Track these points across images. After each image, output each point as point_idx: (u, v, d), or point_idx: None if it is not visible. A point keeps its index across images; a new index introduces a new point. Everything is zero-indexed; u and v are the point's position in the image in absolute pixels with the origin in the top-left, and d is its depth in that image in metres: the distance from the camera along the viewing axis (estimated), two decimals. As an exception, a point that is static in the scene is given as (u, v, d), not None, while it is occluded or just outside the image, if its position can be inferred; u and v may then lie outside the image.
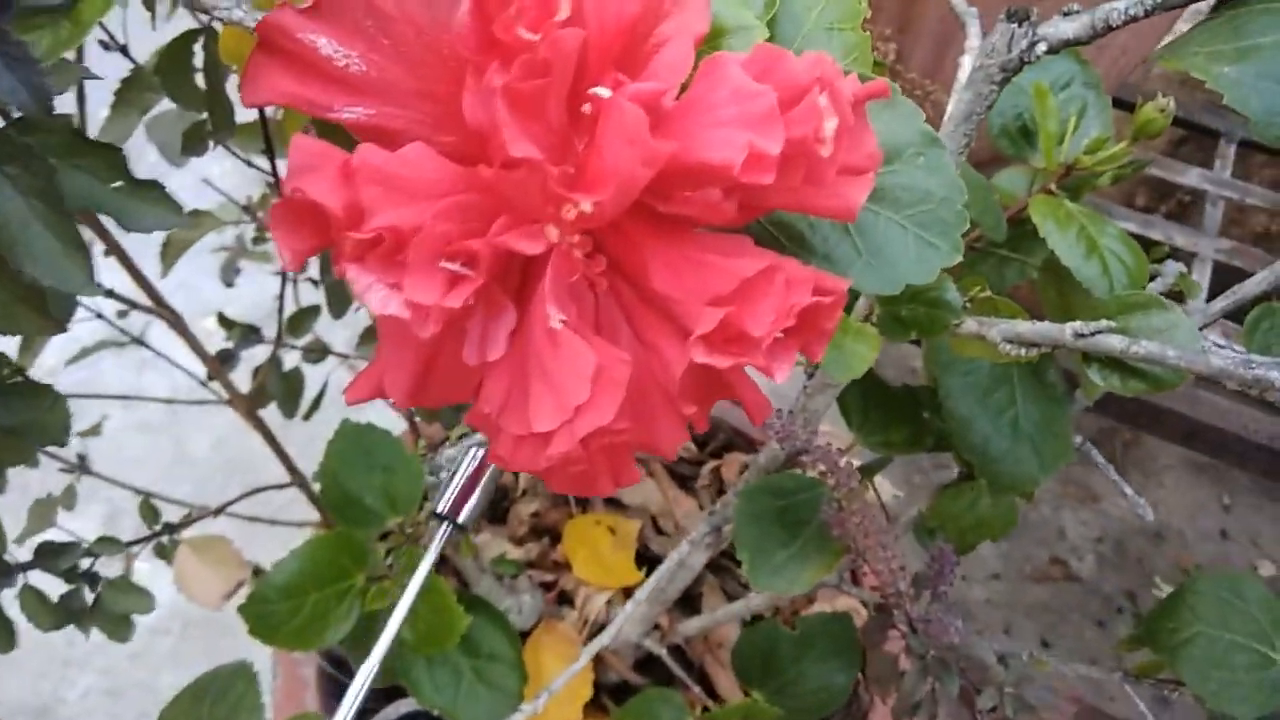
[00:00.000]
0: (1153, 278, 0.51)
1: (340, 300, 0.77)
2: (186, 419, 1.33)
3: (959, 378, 0.48)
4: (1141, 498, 0.52)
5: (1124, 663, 0.58)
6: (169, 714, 0.52)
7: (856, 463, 0.60)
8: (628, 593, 0.80)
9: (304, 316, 0.77)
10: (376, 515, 0.56)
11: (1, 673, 1.12)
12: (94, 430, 0.69)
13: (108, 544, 0.50)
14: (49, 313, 0.33)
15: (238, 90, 0.23)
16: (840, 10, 0.31)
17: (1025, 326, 0.37)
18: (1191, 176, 1.14)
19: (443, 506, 0.46)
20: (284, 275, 0.68)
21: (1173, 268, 0.51)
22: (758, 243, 0.24)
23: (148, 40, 0.59)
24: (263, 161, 0.61)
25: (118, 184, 0.32)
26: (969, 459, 0.50)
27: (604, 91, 0.21)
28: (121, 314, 0.64)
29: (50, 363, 0.82)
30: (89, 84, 0.52)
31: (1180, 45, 0.33)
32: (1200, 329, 0.40)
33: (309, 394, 0.82)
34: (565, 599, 0.83)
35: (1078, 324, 0.34)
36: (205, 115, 0.56)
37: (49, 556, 0.46)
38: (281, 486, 0.74)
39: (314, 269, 0.81)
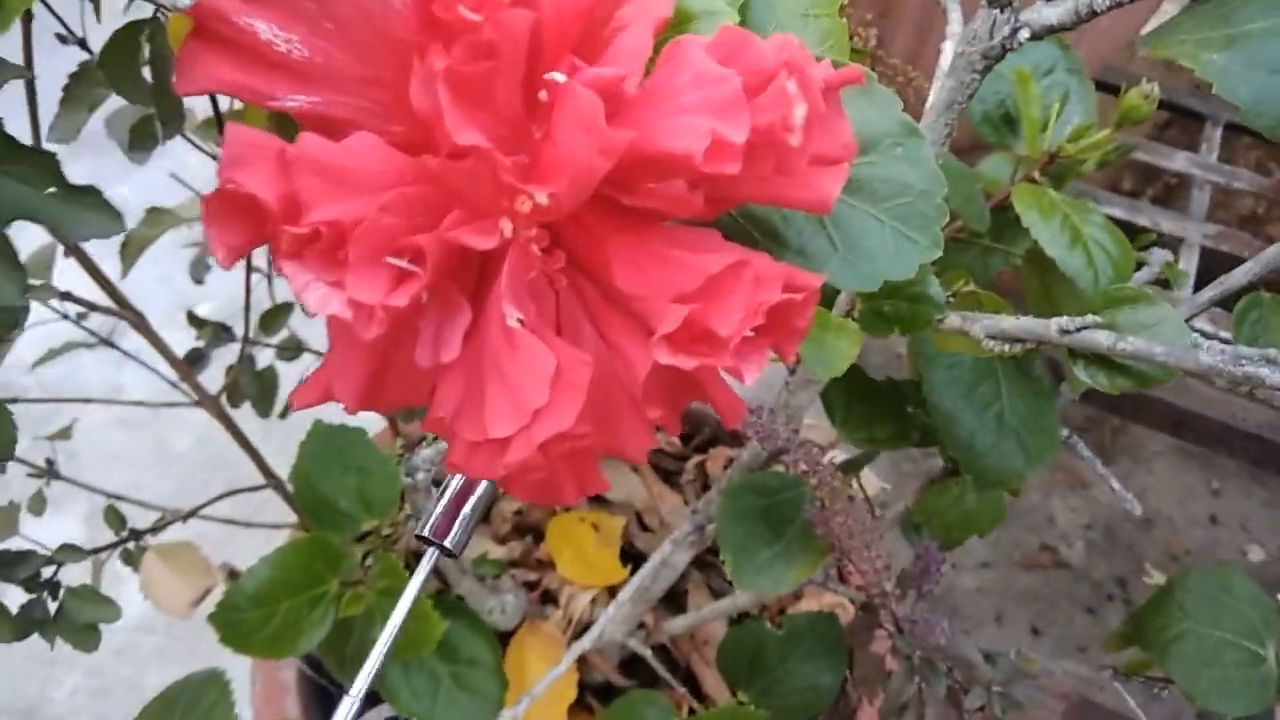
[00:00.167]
0: (1139, 266, 0.50)
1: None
2: (168, 415, 1.31)
3: (943, 372, 0.47)
4: (1129, 490, 0.51)
5: (1113, 660, 0.57)
6: (139, 724, 0.51)
7: (842, 457, 0.59)
8: (613, 591, 0.79)
9: (278, 313, 0.76)
10: (351, 518, 0.55)
11: (-12, 673, 1.11)
12: (63, 433, 0.67)
13: (70, 552, 0.48)
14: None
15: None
16: (816, -6, 0.30)
17: (1009, 322, 0.36)
18: (1178, 160, 1.13)
19: (427, 529, 0.42)
20: (248, 270, 0.66)
21: (1159, 256, 0.50)
22: (730, 237, 0.22)
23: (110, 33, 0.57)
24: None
25: (51, 190, 0.30)
26: (954, 454, 0.49)
27: (559, 77, 0.19)
28: (82, 316, 0.63)
29: (29, 358, 0.80)
30: (49, 81, 0.50)
31: (1167, 31, 0.32)
32: (1187, 319, 0.39)
33: (285, 392, 0.80)
34: (549, 598, 0.82)
35: (1063, 320, 0.34)
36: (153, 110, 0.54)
37: (7, 566, 0.45)
38: (256, 489, 0.72)
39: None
